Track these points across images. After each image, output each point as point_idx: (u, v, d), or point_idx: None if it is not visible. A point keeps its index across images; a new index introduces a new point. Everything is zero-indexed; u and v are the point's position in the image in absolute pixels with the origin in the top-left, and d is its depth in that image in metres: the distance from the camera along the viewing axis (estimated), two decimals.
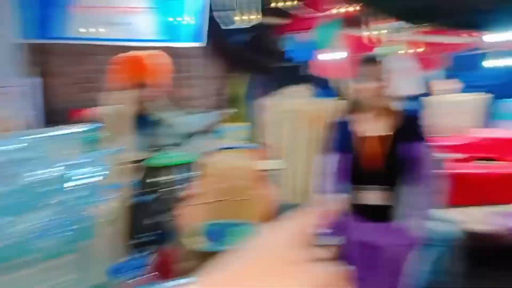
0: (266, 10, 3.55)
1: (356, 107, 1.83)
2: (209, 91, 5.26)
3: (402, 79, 4.03)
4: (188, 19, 3.37)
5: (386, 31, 3.17)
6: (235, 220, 3.27)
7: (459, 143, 3.55)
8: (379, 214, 1.75)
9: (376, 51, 3.39)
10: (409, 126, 1.73)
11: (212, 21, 3.76)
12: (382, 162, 1.70)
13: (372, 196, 1.74)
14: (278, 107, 3.04)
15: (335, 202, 1.81)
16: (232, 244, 2.86)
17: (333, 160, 1.81)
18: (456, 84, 4.68)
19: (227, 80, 5.49)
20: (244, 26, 3.13)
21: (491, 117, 5.04)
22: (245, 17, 2.87)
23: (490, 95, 3.64)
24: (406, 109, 1.81)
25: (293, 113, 2.92)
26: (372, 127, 1.74)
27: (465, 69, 5.44)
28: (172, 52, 4.25)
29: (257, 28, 4.18)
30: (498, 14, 2.51)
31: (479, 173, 3.24)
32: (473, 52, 4.99)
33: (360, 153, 1.74)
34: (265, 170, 3.36)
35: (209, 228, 3.09)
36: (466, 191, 3.19)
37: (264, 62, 5.12)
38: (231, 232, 3.16)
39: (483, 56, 5.00)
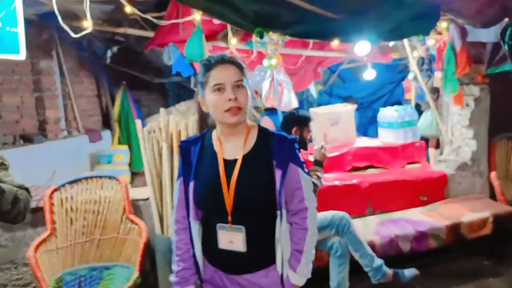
0: (128, 21, 3.13)
1: (207, 123, 1.40)
2: (83, 112, 4.60)
3: (286, 93, 3.97)
4: None
5: (263, 43, 3.00)
6: (105, 263, 2.70)
7: (339, 154, 3.57)
8: (242, 263, 1.32)
9: (264, 63, 3.19)
10: (279, 146, 1.29)
11: (59, 32, 3.17)
12: (246, 192, 1.26)
13: (231, 238, 1.29)
14: (149, 127, 2.64)
15: (182, 240, 1.39)
16: None
17: (180, 188, 1.38)
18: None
19: (105, 99, 4.85)
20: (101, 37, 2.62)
21: (372, 126, 5.42)
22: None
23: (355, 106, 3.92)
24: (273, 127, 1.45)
25: (159, 132, 2.54)
26: (230, 148, 1.33)
27: (344, 81, 5.77)
28: (26, 68, 3.49)
29: (120, 41, 3.69)
30: (347, 23, 2.46)
31: (365, 182, 3.24)
32: (350, 66, 5.29)
33: (211, 179, 1.30)
34: (135, 200, 2.90)
35: (67, 277, 2.50)
36: (356, 202, 3.17)
37: (147, 78, 4.64)
38: (104, 277, 2.62)
39: (360, 69, 5.31)
